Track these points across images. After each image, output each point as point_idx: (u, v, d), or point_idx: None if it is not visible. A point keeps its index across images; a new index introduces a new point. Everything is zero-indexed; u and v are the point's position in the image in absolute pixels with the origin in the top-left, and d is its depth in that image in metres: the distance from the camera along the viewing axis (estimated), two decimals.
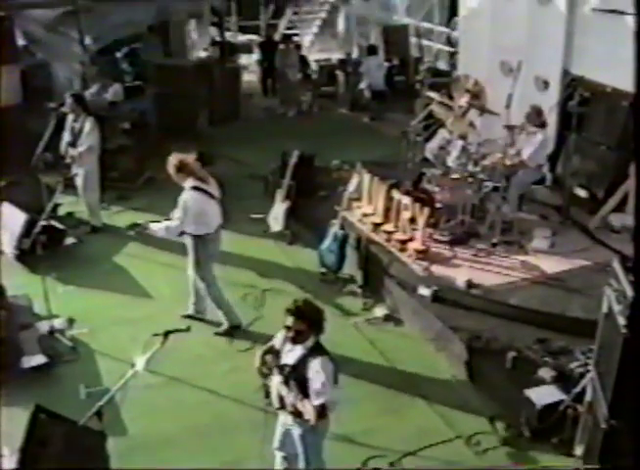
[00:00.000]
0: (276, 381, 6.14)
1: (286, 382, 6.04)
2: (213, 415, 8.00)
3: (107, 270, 10.91)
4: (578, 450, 6.83)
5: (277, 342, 6.35)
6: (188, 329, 9.42)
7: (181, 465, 7.37)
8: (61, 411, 6.53)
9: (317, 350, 6.06)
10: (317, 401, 5.92)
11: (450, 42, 19.95)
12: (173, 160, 9.07)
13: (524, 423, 7.73)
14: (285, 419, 6.39)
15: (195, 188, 9.04)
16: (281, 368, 6.11)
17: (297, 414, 6.10)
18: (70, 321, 9.69)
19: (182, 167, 9.04)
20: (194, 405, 8.25)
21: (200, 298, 9.75)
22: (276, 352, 6.27)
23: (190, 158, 9.31)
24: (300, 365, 6.01)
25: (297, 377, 6.01)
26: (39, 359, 8.77)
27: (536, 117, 11.18)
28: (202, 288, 9.55)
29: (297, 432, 6.35)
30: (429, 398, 8.40)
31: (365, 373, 8.84)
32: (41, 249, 10.53)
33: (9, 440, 6.61)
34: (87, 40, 16.76)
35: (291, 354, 6.15)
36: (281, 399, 6.14)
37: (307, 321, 6.01)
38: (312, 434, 6.28)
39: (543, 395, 7.74)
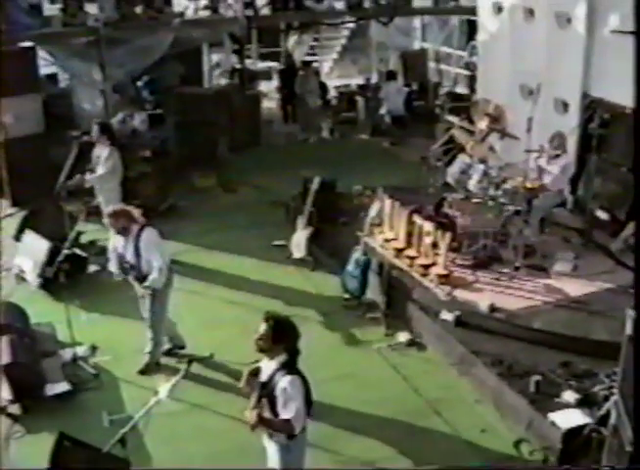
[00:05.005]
0: (253, 399, 6.08)
1: (258, 398, 6.01)
2: (236, 443, 7.91)
3: (130, 298, 10.88)
4: None
5: (263, 363, 6.27)
6: (211, 356, 9.45)
7: None
8: (84, 438, 6.55)
9: (288, 367, 6.00)
10: (282, 417, 5.89)
11: (468, 66, 19.99)
12: (118, 210, 9.03)
13: (548, 447, 7.68)
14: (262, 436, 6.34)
15: (148, 225, 9.04)
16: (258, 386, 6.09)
17: (268, 427, 6.02)
18: (93, 349, 9.70)
19: (130, 216, 8.99)
20: (217, 433, 8.23)
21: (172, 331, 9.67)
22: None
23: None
24: (271, 382, 5.97)
25: (267, 394, 5.97)
26: (63, 387, 8.79)
27: (562, 143, 11.20)
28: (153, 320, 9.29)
29: (272, 449, 6.30)
30: (452, 422, 8.36)
31: (389, 398, 8.83)
32: (64, 277, 10.64)
33: (33, 467, 6.63)
34: (109, 69, 16.90)
35: (265, 371, 6.11)
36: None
37: (272, 326, 5.95)
38: (286, 453, 6.23)
39: (568, 418, 7.69)
